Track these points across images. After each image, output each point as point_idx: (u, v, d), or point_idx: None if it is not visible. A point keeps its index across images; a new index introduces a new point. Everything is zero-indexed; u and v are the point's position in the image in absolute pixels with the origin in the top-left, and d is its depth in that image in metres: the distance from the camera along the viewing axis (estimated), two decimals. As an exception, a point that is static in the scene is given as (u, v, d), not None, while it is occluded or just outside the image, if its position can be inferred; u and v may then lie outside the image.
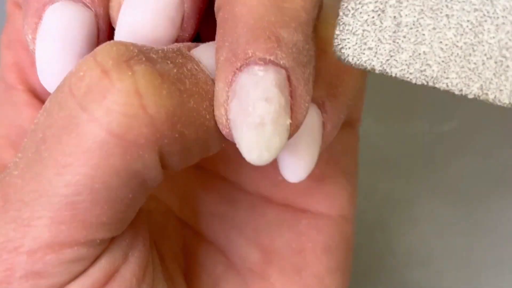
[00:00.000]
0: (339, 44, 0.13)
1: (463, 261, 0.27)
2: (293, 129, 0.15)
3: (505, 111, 0.26)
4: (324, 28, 0.16)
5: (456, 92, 0.13)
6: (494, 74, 0.13)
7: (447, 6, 0.13)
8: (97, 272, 0.15)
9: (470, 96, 0.13)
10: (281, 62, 0.14)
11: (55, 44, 0.16)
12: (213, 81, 0.15)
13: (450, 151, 0.29)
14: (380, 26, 0.13)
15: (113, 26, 0.17)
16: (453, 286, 0.27)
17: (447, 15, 0.13)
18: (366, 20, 0.13)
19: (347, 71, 0.17)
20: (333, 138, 0.17)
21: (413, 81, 0.13)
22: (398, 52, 0.13)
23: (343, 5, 0.13)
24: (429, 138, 0.29)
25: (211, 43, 0.16)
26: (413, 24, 0.13)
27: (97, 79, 0.14)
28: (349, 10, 0.13)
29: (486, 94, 0.13)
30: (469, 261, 0.27)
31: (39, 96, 0.19)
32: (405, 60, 0.13)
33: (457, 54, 0.13)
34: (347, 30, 0.13)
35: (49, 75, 0.16)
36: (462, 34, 0.13)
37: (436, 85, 0.13)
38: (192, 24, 0.17)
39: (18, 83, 0.19)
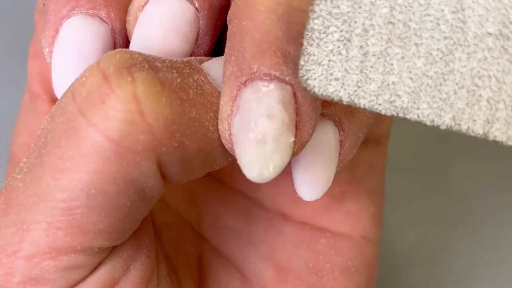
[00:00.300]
0: (304, 75, 0.13)
1: (463, 261, 0.27)
2: (298, 147, 0.15)
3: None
4: None
5: (428, 123, 0.12)
6: (466, 104, 0.12)
7: (415, 34, 0.12)
8: (95, 282, 0.15)
9: (443, 127, 0.12)
10: (287, 78, 0.14)
11: (70, 58, 0.16)
12: (219, 93, 0.15)
13: (450, 151, 0.28)
14: (346, 56, 0.12)
15: (130, 40, 0.17)
16: (453, 286, 0.27)
17: (416, 44, 0.12)
18: (331, 50, 0.12)
19: None
20: (351, 156, 0.17)
21: (383, 112, 0.12)
22: (366, 83, 0.12)
23: (307, 34, 0.13)
24: (429, 138, 0.29)
25: (222, 57, 0.16)
26: (381, 54, 0.12)
27: (97, 85, 0.14)
28: (313, 40, 0.13)
29: (459, 124, 0.12)
30: (469, 261, 0.27)
31: None
32: (374, 91, 0.12)
33: (428, 84, 0.12)
34: (312, 60, 0.13)
35: (64, 88, 0.16)
36: (432, 63, 0.12)
37: (407, 116, 0.12)
38: (208, 41, 0.17)
39: (42, 92, 0.20)
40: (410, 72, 0.12)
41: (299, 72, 0.13)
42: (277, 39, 0.14)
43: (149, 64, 0.14)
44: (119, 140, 0.13)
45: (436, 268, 0.27)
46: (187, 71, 0.15)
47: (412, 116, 0.12)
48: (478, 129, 0.12)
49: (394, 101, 0.12)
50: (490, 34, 0.12)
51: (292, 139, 0.14)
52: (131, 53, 0.14)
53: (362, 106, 0.13)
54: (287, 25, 0.14)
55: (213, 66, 0.15)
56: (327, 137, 0.16)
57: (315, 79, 0.13)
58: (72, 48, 0.16)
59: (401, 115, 0.12)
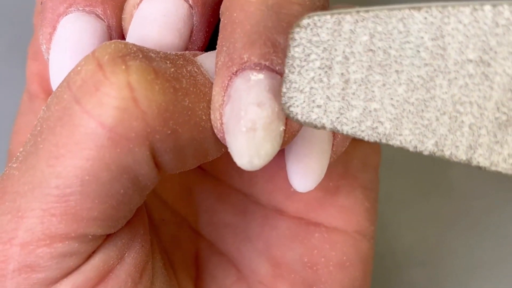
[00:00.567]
0: (286, 102, 0.13)
1: (463, 261, 0.27)
2: (288, 136, 0.15)
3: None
4: None
5: (411, 149, 0.12)
6: (448, 130, 0.12)
7: (396, 61, 0.12)
8: (90, 269, 0.15)
9: (425, 153, 0.12)
10: (277, 68, 0.14)
11: (67, 54, 0.16)
12: (212, 84, 0.15)
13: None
14: (327, 83, 0.12)
15: (125, 37, 0.17)
16: (453, 286, 0.27)
17: (396, 71, 0.12)
18: (313, 78, 0.12)
19: None
20: (344, 148, 0.17)
21: (366, 139, 0.12)
22: (348, 110, 0.12)
23: (288, 62, 0.13)
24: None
25: (216, 51, 0.16)
26: (362, 81, 0.12)
27: (92, 73, 0.14)
28: (295, 68, 0.12)
29: (442, 150, 0.12)
30: (469, 261, 0.27)
31: None
32: (356, 118, 0.12)
33: (409, 110, 0.12)
34: (293, 88, 0.13)
35: None
36: (413, 90, 0.12)
37: (390, 142, 0.12)
38: (201, 37, 0.17)
39: (41, 92, 0.20)
40: (392, 99, 0.12)
41: (281, 99, 0.13)
42: (267, 30, 0.14)
43: (143, 54, 0.14)
44: (112, 126, 0.14)
45: (436, 268, 0.27)
46: (181, 62, 0.15)
47: (395, 142, 0.12)
48: (461, 155, 0.12)
49: (376, 127, 0.12)
50: (471, 60, 0.12)
51: (282, 127, 0.14)
52: (126, 43, 0.15)
53: (345, 132, 0.12)
54: (277, 15, 0.14)
55: (207, 59, 0.16)
56: None
57: (297, 106, 0.13)
58: (69, 45, 0.16)
59: (383, 141, 0.12)
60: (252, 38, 0.14)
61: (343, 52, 0.12)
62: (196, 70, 0.15)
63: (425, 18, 0.12)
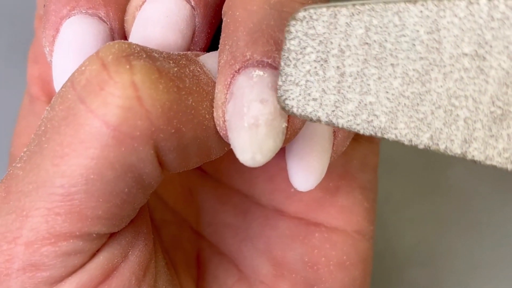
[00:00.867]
0: (282, 95, 0.13)
1: (463, 261, 0.27)
2: (290, 134, 0.15)
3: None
4: None
5: (406, 143, 0.12)
6: (444, 123, 0.12)
7: (391, 55, 0.12)
8: (94, 268, 0.15)
9: (421, 147, 0.12)
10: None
11: (70, 56, 0.16)
12: (215, 84, 0.15)
13: (448, 151, 0.28)
14: (323, 77, 0.12)
15: (128, 38, 0.17)
16: (453, 286, 0.27)
17: (392, 64, 0.12)
18: (308, 71, 0.12)
19: None
20: (344, 148, 0.17)
21: (361, 132, 0.12)
22: (344, 103, 0.12)
23: (284, 55, 0.13)
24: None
25: (218, 51, 0.16)
26: (358, 74, 0.12)
27: (96, 72, 0.14)
28: (291, 61, 0.13)
29: (437, 144, 0.12)
30: (469, 261, 0.27)
31: None
32: (351, 111, 0.12)
33: (405, 104, 0.12)
34: (289, 81, 0.13)
35: None
36: (408, 84, 0.12)
37: (385, 136, 0.12)
38: (203, 38, 0.17)
39: (42, 95, 0.20)
40: (387, 92, 0.12)
41: (277, 92, 0.13)
42: (269, 28, 0.14)
43: (147, 54, 0.15)
44: (117, 125, 0.14)
45: (436, 268, 0.27)
46: (184, 62, 0.15)
47: (390, 136, 0.12)
48: (456, 149, 0.12)
49: (372, 121, 0.12)
50: (466, 54, 0.12)
51: (284, 124, 0.14)
52: (129, 43, 0.15)
53: (340, 126, 0.12)
54: (279, 14, 0.15)
55: (209, 59, 0.16)
56: (321, 127, 0.16)
57: (293, 99, 0.13)
58: (72, 47, 0.16)
59: (379, 134, 0.12)
60: (255, 36, 0.14)
61: (339, 45, 0.12)
62: (199, 69, 0.15)
63: (421, 11, 0.12)
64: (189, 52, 0.16)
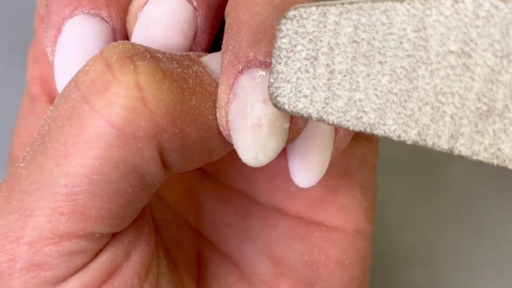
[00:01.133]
0: (274, 93, 0.13)
1: (463, 261, 0.27)
2: (293, 134, 0.15)
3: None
4: None
5: (395, 139, 0.12)
6: (431, 120, 0.12)
7: (379, 52, 0.12)
8: (97, 267, 0.15)
9: (409, 142, 0.12)
10: None
11: (72, 56, 0.17)
12: (218, 84, 0.15)
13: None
14: (313, 74, 0.13)
15: (130, 39, 0.17)
16: (453, 286, 0.27)
17: (380, 62, 0.12)
18: (299, 68, 0.13)
19: None
20: (345, 145, 0.17)
21: (351, 128, 0.13)
22: (334, 100, 0.13)
23: (275, 53, 0.13)
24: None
25: (220, 52, 0.16)
26: (347, 71, 0.12)
27: (101, 73, 0.14)
28: (281, 58, 0.13)
29: (425, 140, 0.12)
30: (469, 261, 0.27)
31: None
32: (341, 108, 0.13)
33: (393, 100, 0.12)
34: (280, 78, 0.13)
35: None
36: (396, 81, 0.12)
37: (374, 132, 0.12)
38: (205, 39, 0.17)
39: (42, 94, 0.20)
40: (376, 89, 0.12)
41: (268, 90, 0.13)
42: (273, 29, 0.14)
43: (151, 54, 0.15)
44: (121, 125, 0.14)
45: (436, 268, 0.27)
46: (187, 62, 0.15)
47: (379, 132, 0.12)
48: (443, 145, 0.12)
49: (361, 117, 0.13)
50: (452, 52, 0.12)
51: (287, 124, 0.15)
52: (133, 44, 0.15)
53: (330, 122, 0.13)
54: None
55: (212, 60, 0.16)
56: (322, 124, 0.16)
57: (284, 96, 0.13)
58: (74, 47, 0.17)
59: (368, 131, 0.13)
60: (258, 36, 0.14)
61: (328, 43, 0.12)
62: (201, 70, 0.15)
63: (408, 10, 0.12)
64: (191, 52, 0.16)
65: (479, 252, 0.27)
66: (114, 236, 0.15)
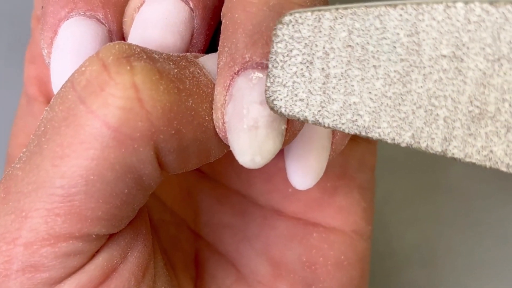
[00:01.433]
0: (270, 96, 0.13)
1: (463, 261, 0.27)
2: (289, 135, 0.15)
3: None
4: None
5: (389, 141, 0.13)
6: (424, 123, 0.12)
7: (373, 57, 0.12)
8: (94, 269, 0.15)
9: (403, 145, 0.13)
10: None
11: (68, 58, 0.16)
12: (214, 85, 0.15)
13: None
14: (309, 78, 0.13)
15: (126, 40, 0.17)
16: (453, 286, 0.27)
17: (374, 66, 0.12)
18: (295, 72, 0.13)
19: None
20: (343, 147, 0.17)
21: (346, 131, 0.13)
22: (329, 103, 0.13)
23: (272, 57, 0.13)
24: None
25: (217, 53, 0.16)
26: (342, 75, 0.13)
27: (97, 73, 0.14)
28: (278, 63, 0.13)
29: (418, 142, 0.13)
30: (469, 261, 0.27)
31: None
32: (337, 111, 0.13)
33: (387, 104, 0.13)
34: (277, 82, 0.13)
35: None
36: (390, 84, 0.12)
37: (369, 135, 0.13)
38: (202, 40, 0.17)
39: (39, 95, 0.20)
40: (370, 92, 0.13)
41: (265, 93, 0.13)
42: (269, 30, 0.14)
43: (147, 55, 0.15)
44: (117, 126, 0.14)
45: (435, 268, 0.27)
46: (183, 63, 0.15)
47: (374, 134, 0.13)
48: (436, 147, 0.12)
49: (356, 120, 0.13)
50: (445, 56, 0.12)
51: (283, 126, 0.15)
52: (129, 44, 0.15)
53: (326, 125, 0.13)
54: (278, 16, 0.15)
55: (208, 61, 0.16)
56: (320, 126, 0.16)
57: (281, 99, 0.13)
58: (70, 49, 0.16)
59: (363, 133, 0.13)
60: (254, 38, 0.14)
61: (324, 47, 0.13)
62: (198, 71, 0.15)
63: (401, 15, 0.12)
64: (188, 53, 0.16)
65: (479, 252, 0.27)
66: (110, 237, 0.15)
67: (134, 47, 0.15)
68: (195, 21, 0.17)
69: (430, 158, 0.29)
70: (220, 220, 0.20)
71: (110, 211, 0.14)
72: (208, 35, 0.18)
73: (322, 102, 0.13)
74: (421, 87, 0.12)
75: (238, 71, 0.15)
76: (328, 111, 0.13)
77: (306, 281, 0.19)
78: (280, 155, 0.17)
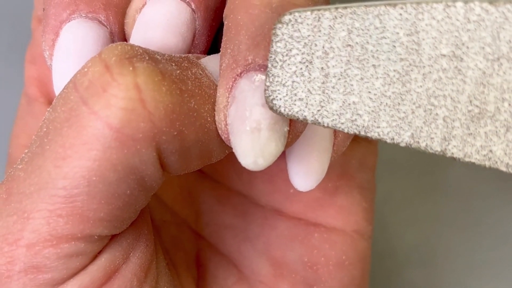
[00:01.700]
0: (270, 96, 0.13)
1: (463, 261, 0.27)
2: (292, 137, 0.15)
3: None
4: None
5: (388, 141, 0.13)
6: (424, 122, 0.12)
7: (373, 56, 0.12)
8: (96, 269, 0.15)
9: (402, 145, 0.13)
10: None
11: (70, 60, 0.17)
12: (217, 86, 0.15)
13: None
14: (308, 77, 0.13)
15: (128, 42, 0.17)
16: (453, 286, 0.27)
17: (373, 65, 0.12)
18: (294, 72, 0.13)
19: None
20: (344, 148, 0.17)
21: (345, 131, 0.13)
22: (328, 103, 0.13)
23: (271, 57, 0.13)
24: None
25: (219, 54, 0.16)
26: (341, 75, 0.13)
27: (99, 74, 0.14)
28: (277, 62, 0.13)
29: (418, 142, 0.13)
30: (469, 261, 0.27)
31: None
32: (336, 110, 0.13)
33: (386, 103, 0.13)
34: (276, 81, 0.13)
35: None
36: (389, 84, 0.12)
37: (368, 134, 0.13)
38: (204, 41, 0.17)
39: (40, 96, 0.20)
40: (370, 92, 0.13)
41: (265, 93, 0.13)
42: (271, 31, 0.14)
43: (150, 56, 0.15)
44: (119, 127, 0.14)
45: (435, 268, 0.27)
46: (186, 64, 0.15)
47: (373, 134, 0.13)
48: (436, 147, 0.12)
49: (355, 120, 0.13)
50: (444, 55, 0.12)
51: (286, 128, 0.15)
52: (132, 45, 0.15)
53: (325, 124, 0.13)
54: None
55: (210, 62, 0.16)
56: (321, 128, 0.16)
57: (280, 99, 0.13)
58: (72, 51, 0.16)
59: (362, 133, 0.13)
60: (257, 40, 0.14)
61: (323, 47, 0.13)
62: (200, 72, 0.15)
63: (400, 14, 0.12)
64: (190, 54, 0.16)
65: (479, 252, 0.27)
66: (113, 238, 0.15)
67: (137, 48, 0.15)
68: (197, 22, 0.17)
69: (429, 158, 0.29)
70: (222, 220, 0.20)
71: (112, 212, 0.14)
72: (210, 36, 0.18)
73: (321, 101, 0.13)
74: (421, 86, 0.12)
75: (240, 73, 0.15)
76: (327, 111, 0.13)
77: (307, 281, 0.19)
78: (282, 156, 0.17)
